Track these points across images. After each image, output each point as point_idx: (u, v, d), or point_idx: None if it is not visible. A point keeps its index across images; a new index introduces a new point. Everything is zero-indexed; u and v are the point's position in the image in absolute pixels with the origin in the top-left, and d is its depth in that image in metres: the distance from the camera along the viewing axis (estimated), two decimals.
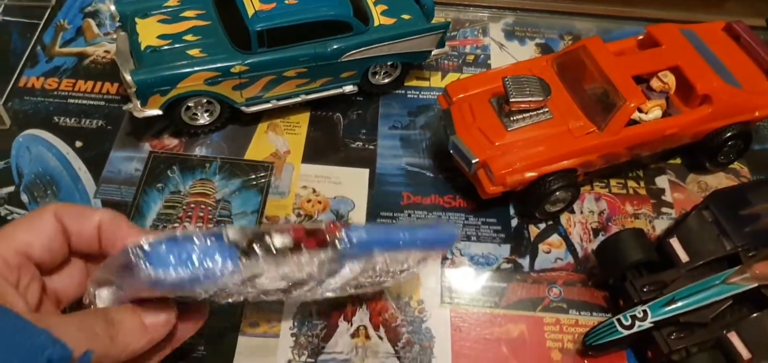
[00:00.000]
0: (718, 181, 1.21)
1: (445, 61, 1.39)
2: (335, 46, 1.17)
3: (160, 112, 1.14)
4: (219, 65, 1.13)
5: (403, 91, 1.33)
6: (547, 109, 1.08)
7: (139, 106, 1.13)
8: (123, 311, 0.74)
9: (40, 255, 0.75)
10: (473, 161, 1.06)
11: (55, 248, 0.77)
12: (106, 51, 1.37)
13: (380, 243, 0.81)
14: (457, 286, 1.05)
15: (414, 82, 1.35)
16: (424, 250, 0.88)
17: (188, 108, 1.18)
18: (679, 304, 0.94)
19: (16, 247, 0.74)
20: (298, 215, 1.13)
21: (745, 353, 0.90)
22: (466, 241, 1.11)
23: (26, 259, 0.74)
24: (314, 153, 1.22)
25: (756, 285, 0.94)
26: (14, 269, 0.72)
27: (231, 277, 0.71)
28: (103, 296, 0.78)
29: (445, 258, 1.08)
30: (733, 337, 0.92)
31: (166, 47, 1.14)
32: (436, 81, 1.36)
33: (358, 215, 1.13)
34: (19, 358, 0.61)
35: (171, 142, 1.22)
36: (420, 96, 1.33)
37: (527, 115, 1.08)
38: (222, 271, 0.69)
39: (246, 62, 1.13)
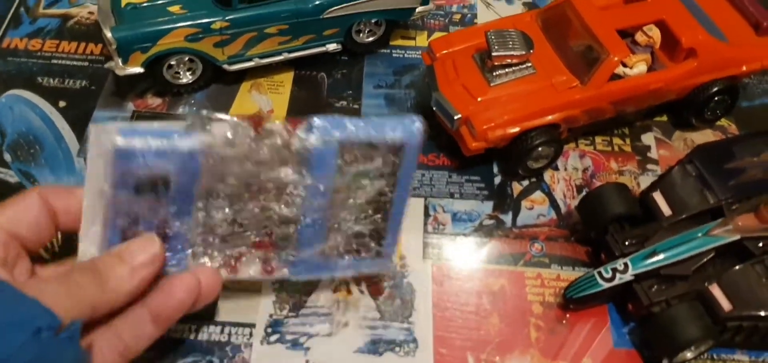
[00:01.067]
0: (705, 138, 1.20)
1: (431, 20, 1.38)
2: (317, 2, 1.16)
3: (141, 70, 1.14)
4: (199, 21, 1.12)
5: (389, 51, 1.32)
6: (530, 64, 1.07)
7: (120, 63, 1.12)
8: (107, 258, 0.74)
9: (26, 233, 0.75)
10: (455, 117, 1.05)
11: (41, 224, 0.77)
12: (90, 12, 1.37)
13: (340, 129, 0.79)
14: (439, 242, 1.05)
15: (399, 42, 1.34)
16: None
17: (170, 66, 1.17)
18: (661, 256, 0.93)
19: (1, 223, 0.73)
20: None
21: (725, 304, 0.90)
22: (449, 198, 1.10)
23: (11, 237, 0.74)
24: (298, 112, 1.21)
25: (738, 237, 0.94)
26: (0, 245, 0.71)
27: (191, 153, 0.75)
28: (89, 252, 0.77)
29: (427, 215, 1.08)
30: (714, 289, 0.91)
31: (146, 4, 1.13)
32: (422, 40, 1.34)
33: None
34: (7, 328, 0.60)
35: (154, 101, 1.22)
36: (405, 55, 1.32)
37: (510, 69, 1.07)
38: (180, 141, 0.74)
39: (226, 18, 1.13)
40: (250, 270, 0.87)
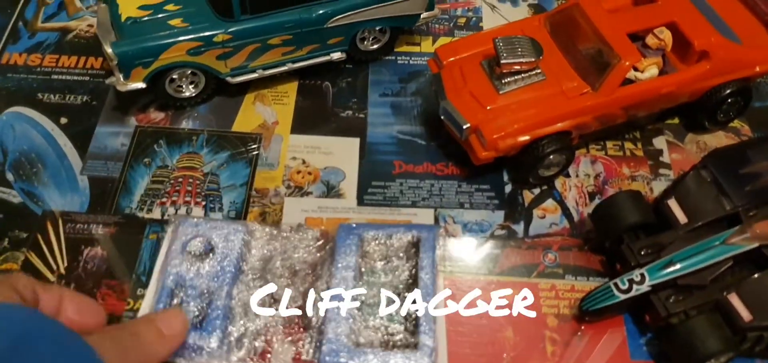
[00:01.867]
0: (718, 140, 1.18)
1: (436, 25, 1.36)
2: (321, 11, 1.14)
3: (143, 85, 1.12)
4: (201, 34, 1.10)
5: (393, 58, 1.30)
6: (539, 71, 1.05)
7: (121, 79, 1.10)
8: (143, 323, 0.84)
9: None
10: (464, 126, 1.03)
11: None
12: (89, 25, 1.35)
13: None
14: (450, 253, 1.03)
15: (404, 48, 1.32)
16: None
17: (173, 80, 1.15)
18: (678, 266, 0.92)
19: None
20: (288, 187, 1.10)
21: (745, 314, 0.88)
22: (459, 208, 1.08)
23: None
24: (303, 123, 1.19)
25: (756, 245, 0.92)
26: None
27: None
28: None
29: (437, 224, 1.06)
30: (733, 299, 0.89)
31: (146, 18, 1.11)
32: (427, 46, 1.32)
33: (349, 186, 1.11)
34: None
35: (157, 115, 1.20)
36: (411, 62, 1.30)
37: (519, 76, 1.05)
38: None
39: (229, 30, 1.11)
40: (281, 358, 0.91)
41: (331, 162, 1.14)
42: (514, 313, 0.97)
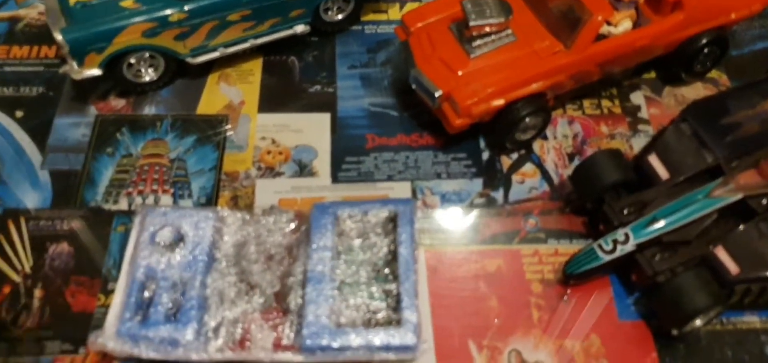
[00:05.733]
0: (696, 92, 1.16)
1: None
2: None
3: (99, 72, 1.07)
4: (156, 15, 1.04)
5: (361, 27, 1.26)
6: (510, 32, 1.02)
7: (75, 66, 1.05)
8: None
9: None
10: (436, 94, 1.00)
11: None
12: (40, 13, 1.28)
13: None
14: (429, 226, 1.00)
15: (371, 16, 1.27)
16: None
17: (130, 65, 1.10)
18: (662, 223, 0.90)
19: None
20: (259, 168, 1.07)
21: (732, 267, 0.86)
22: (436, 179, 1.05)
23: None
24: (271, 101, 1.15)
25: (741, 196, 0.90)
26: None
27: None
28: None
29: (414, 197, 1.03)
30: (720, 252, 0.87)
31: (96, 1, 1.05)
32: (395, 13, 1.28)
33: (322, 164, 1.07)
34: None
35: (118, 103, 1.15)
36: (378, 31, 1.26)
37: (489, 39, 1.01)
38: None
39: (184, 9, 1.05)
40: (261, 345, 0.87)
41: (302, 140, 1.10)
42: (498, 282, 0.95)
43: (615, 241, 0.90)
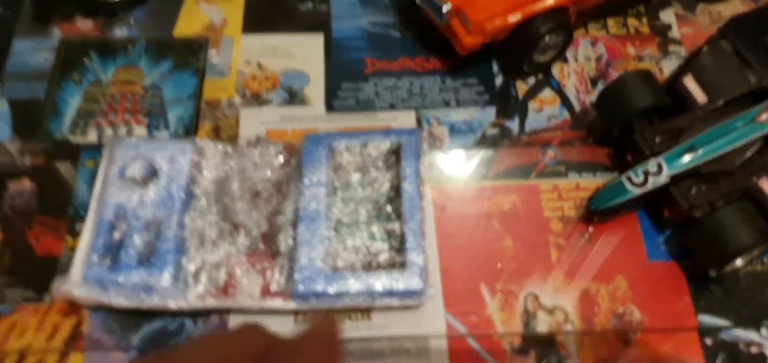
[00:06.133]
0: (734, 8, 1.05)
1: None
2: None
3: None
4: None
5: None
6: None
7: None
8: None
9: None
10: (444, 9, 0.90)
11: None
12: None
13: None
14: (437, 160, 0.91)
15: None
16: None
17: None
18: (700, 152, 0.80)
19: None
20: (244, 96, 0.96)
21: None
22: (444, 107, 0.95)
23: None
24: (257, 21, 1.04)
25: None
26: None
27: None
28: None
29: (419, 127, 0.93)
30: (765, 184, 0.79)
31: None
32: None
33: (315, 91, 0.97)
34: None
35: (85, 24, 1.04)
36: None
37: None
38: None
39: None
40: (247, 292, 0.78)
41: (292, 64, 0.99)
42: (513, 221, 0.86)
43: (646, 173, 0.81)
